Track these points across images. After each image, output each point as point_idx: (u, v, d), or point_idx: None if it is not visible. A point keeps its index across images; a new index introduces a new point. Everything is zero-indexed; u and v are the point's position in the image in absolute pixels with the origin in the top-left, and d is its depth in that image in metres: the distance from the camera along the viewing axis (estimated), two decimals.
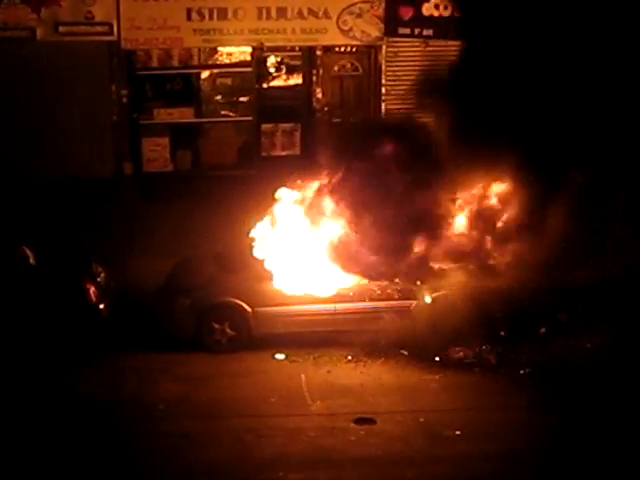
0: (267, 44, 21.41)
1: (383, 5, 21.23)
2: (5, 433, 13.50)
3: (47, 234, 17.43)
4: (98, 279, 16.40)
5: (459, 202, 15.25)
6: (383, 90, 21.87)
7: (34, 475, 12.87)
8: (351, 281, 15.79)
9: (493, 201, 15.31)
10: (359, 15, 21.23)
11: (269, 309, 15.88)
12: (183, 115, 21.88)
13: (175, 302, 16.03)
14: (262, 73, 22.14)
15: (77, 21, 20.58)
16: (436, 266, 15.43)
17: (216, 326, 15.95)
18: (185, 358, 15.65)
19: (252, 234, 16.11)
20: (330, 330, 15.96)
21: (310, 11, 21.17)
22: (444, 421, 14.07)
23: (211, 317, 15.93)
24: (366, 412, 14.30)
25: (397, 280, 15.71)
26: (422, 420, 14.12)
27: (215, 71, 22.05)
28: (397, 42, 21.60)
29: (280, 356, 15.84)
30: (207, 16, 20.96)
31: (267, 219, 16.09)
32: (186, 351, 15.75)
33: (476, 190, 15.21)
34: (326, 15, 21.23)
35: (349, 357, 15.82)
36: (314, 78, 21.95)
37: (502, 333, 15.94)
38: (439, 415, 14.26)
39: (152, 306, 16.28)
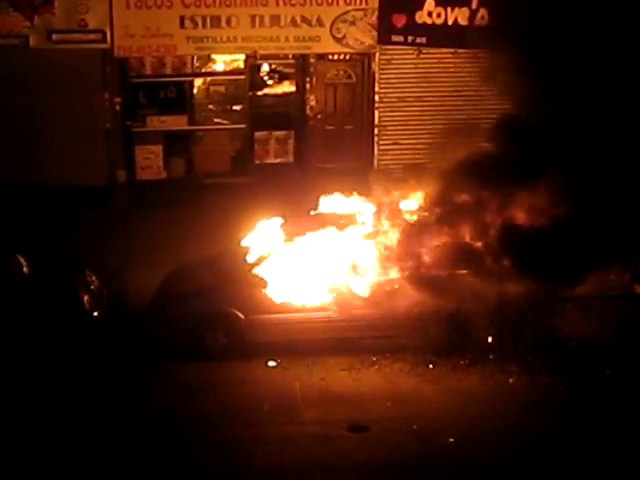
0: (260, 52, 21.39)
1: (376, 13, 21.22)
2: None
3: (40, 242, 17.43)
4: (91, 287, 16.39)
5: None
6: (376, 98, 21.88)
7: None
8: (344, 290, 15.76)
9: None
10: (352, 23, 21.23)
11: (262, 317, 15.86)
12: (176, 123, 21.86)
13: (169, 310, 16.03)
14: (255, 81, 22.14)
15: (70, 29, 20.53)
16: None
17: (209, 334, 15.94)
18: (178, 366, 15.61)
19: (246, 242, 16.10)
20: (324, 337, 15.96)
21: (303, 19, 21.16)
22: (438, 428, 14.06)
23: (205, 325, 15.92)
24: (360, 419, 14.28)
25: None
26: (416, 427, 14.11)
27: (208, 79, 22.04)
28: (390, 50, 21.62)
29: (273, 364, 15.83)
30: (200, 24, 20.94)
31: (261, 227, 16.09)
32: (179, 359, 15.71)
33: None
34: (319, 23, 21.23)
35: (343, 365, 15.81)
36: (307, 86, 21.96)
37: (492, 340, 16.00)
38: (433, 422, 14.25)
39: (145, 314, 16.26)
